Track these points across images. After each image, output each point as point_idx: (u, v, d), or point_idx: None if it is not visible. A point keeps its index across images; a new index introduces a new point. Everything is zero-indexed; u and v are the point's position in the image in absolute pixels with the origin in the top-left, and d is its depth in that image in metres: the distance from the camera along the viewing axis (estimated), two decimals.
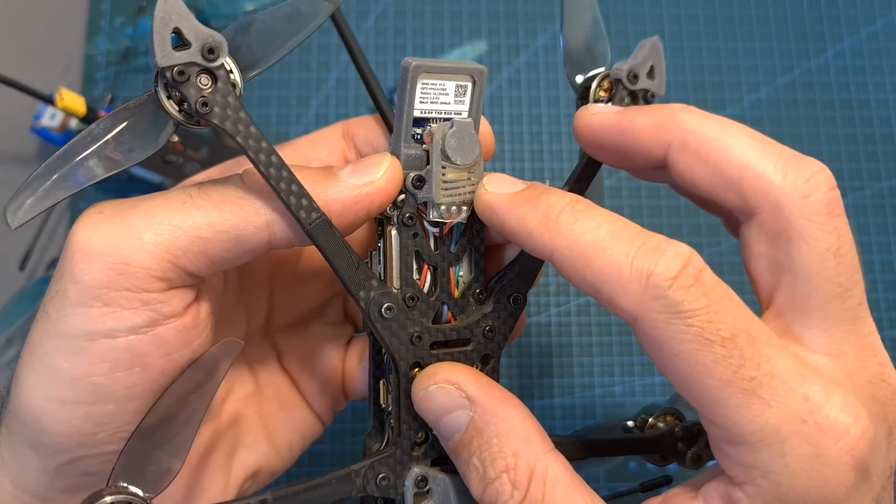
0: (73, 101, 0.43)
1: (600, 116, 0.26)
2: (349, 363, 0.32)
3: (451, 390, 0.24)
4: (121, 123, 0.23)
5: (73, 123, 0.44)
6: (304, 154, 0.29)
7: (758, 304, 0.24)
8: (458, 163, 0.25)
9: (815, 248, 0.22)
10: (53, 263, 0.45)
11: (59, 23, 0.49)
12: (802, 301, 0.22)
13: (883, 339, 0.24)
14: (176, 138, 0.44)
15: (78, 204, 0.45)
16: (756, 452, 0.20)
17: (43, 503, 0.25)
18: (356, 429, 0.43)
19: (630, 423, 0.32)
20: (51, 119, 0.44)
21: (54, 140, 0.45)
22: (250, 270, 0.30)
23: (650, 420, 0.32)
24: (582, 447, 0.29)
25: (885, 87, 0.50)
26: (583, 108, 0.26)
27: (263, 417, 0.31)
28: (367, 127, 0.29)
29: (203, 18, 0.46)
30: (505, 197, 0.24)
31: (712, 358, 0.20)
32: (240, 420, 0.30)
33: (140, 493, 0.22)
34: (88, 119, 0.43)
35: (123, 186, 0.44)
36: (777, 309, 0.23)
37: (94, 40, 0.48)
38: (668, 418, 0.31)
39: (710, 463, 0.30)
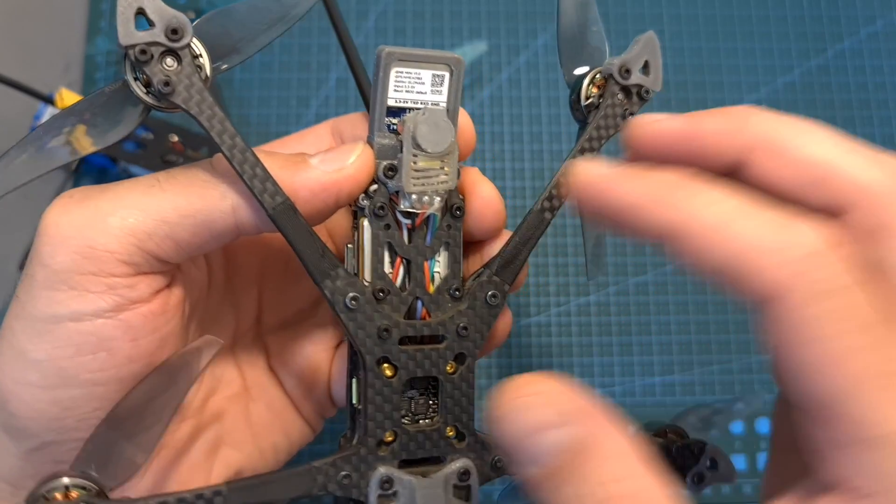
0: (73, 101, 0.43)
1: (664, 124, 0.24)
2: (336, 367, 0.32)
3: (549, 404, 0.20)
4: (95, 106, 0.24)
5: None
6: (292, 151, 0.29)
7: None
8: (430, 151, 0.25)
9: None
10: None
11: (59, 23, 0.49)
12: None
13: None
14: (176, 138, 0.44)
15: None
16: (891, 458, 0.18)
17: (17, 490, 0.25)
18: None
19: None
20: None
21: None
22: (238, 268, 0.30)
23: (648, 436, 0.30)
24: None
25: (885, 87, 0.50)
26: (636, 118, 0.25)
27: (249, 418, 0.30)
28: (354, 124, 0.29)
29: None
30: (605, 173, 0.22)
31: (855, 345, 0.18)
32: (224, 419, 0.30)
33: (101, 480, 0.23)
34: None
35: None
36: None
37: (94, 40, 0.48)
38: (669, 436, 0.30)
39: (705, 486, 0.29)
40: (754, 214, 0.20)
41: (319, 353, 0.32)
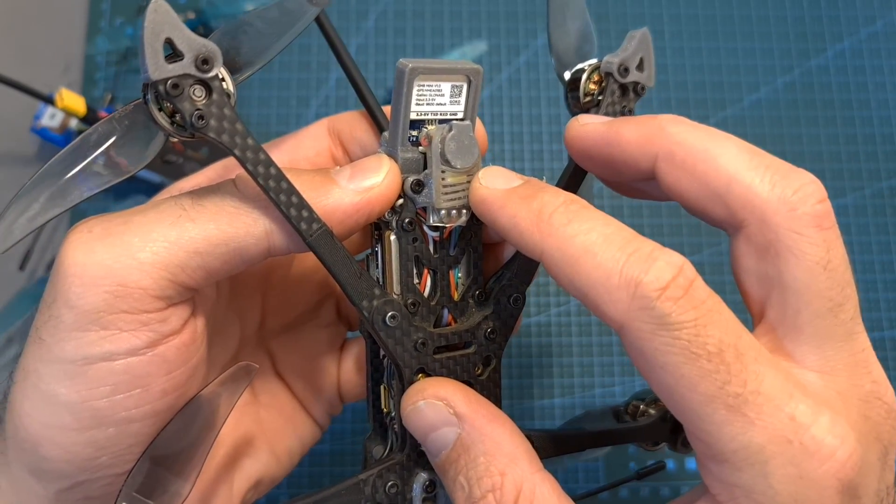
0: (73, 101, 0.43)
1: (588, 128, 0.25)
2: (344, 366, 0.32)
3: (439, 406, 0.24)
4: (110, 137, 0.23)
5: (73, 123, 0.44)
6: (291, 154, 0.29)
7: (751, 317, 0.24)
8: (458, 167, 0.25)
9: (804, 262, 0.21)
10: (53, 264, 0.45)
11: (59, 23, 0.49)
12: (793, 316, 0.22)
13: (883, 339, 0.24)
14: (176, 138, 0.44)
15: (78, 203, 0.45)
16: (739, 471, 0.20)
17: None
18: (356, 429, 0.43)
19: (620, 408, 0.32)
20: (51, 119, 0.44)
21: (54, 140, 0.45)
22: (243, 277, 0.29)
23: (641, 406, 0.32)
24: (575, 440, 0.29)
25: (885, 87, 0.50)
26: (573, 119, 0.26)
27: (262, 426, 0.30)
28: (352, 124, 0.29)
29: (203, 18, 0.46)
30: (499, 192, 0.24)
31: (697, 372, 0.20)
32: (239, 430, 0.29)
33: None
34: (88, 119, 0.43)
35: (123, 186, 0.43)
36: (768, 324, 0.23)
37: (94, 40, 0.48)
38: (660, 404, 0.31)
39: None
40: (610, 250, 0.21)
41: (326, 353, 0.32)
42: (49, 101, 0.43)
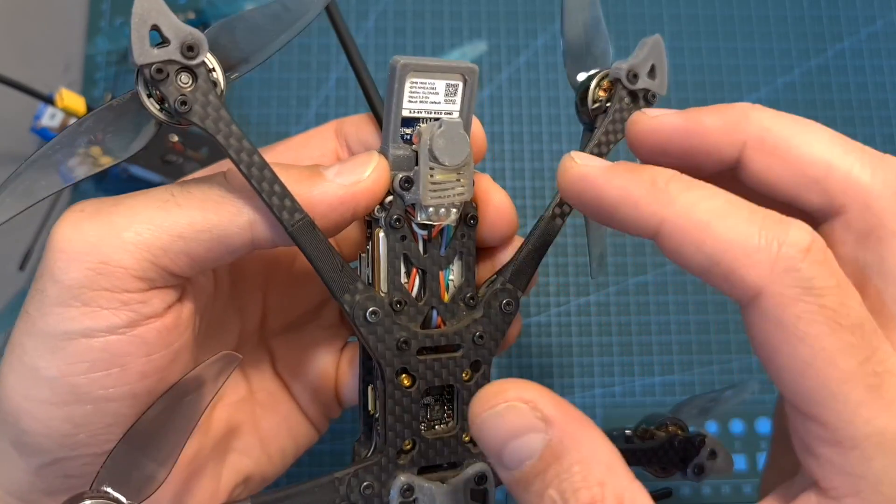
0: (73, 101, 0.43)
1: (663, 119, 0.24)
2: (342, 369, 0.31)
3: (524, 409, 0.21)
4: (103, 122, 0.23)
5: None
6: (297, 153, 0.29)
7: None
8: (447, 164, 0.25)
9: None
10: None
11: (59, 23, 0.49)
12: (893, 304, 0.21)
13: None
14: (176, 138, 0.44)
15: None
16: (869, 460, 0.18)
17: None
18: (356, 429, 0.43)
19: (628, 432, 0.32)
20: (51, 119, 0.44)
21: None
22: (243, 272, 0.29)
23: (650, 430, 0.31)
24: None
25: (885, 87, 0.50)
26: (638, 113, 0.25)
27: (256, 423, 0.30)
28: (359, 126, 0.29)
29: (203, 18, 0.46)
30: (601, 167, 0.22)
31: (839, 345, 0.18)
32: (231, 425, 0.29)
33: (123, 499, 0.22)
34: None
35: (123, 186, 0.44)
36: None
37: (94, 40, 0.48)
38: (670, 428, 0.31)
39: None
40: (741, 212, 0.20)
41: (325, 355, 0.32)
42: (49, 101, 0.43)
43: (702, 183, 0.21)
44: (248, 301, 0.30)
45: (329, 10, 0.27)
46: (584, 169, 0.22)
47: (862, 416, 0.18)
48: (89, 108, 0.43)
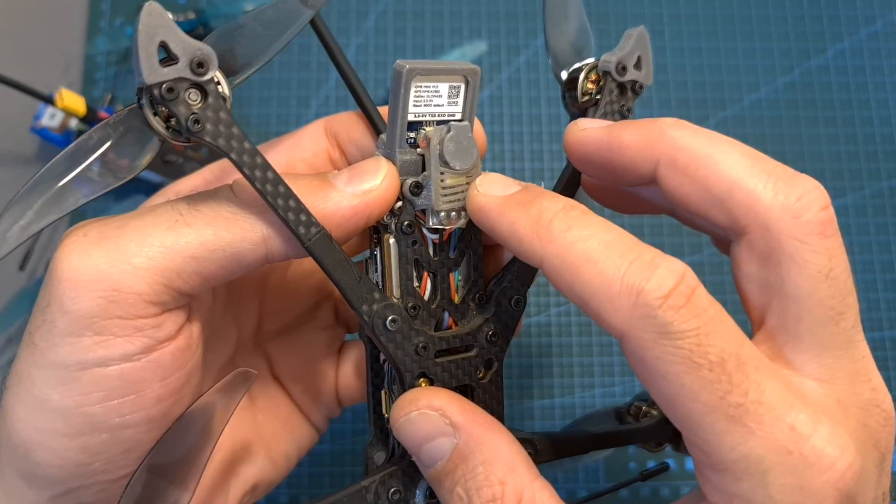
0: (73, 101, 0.43)
1: (588, 132, 0.25)
2: (342, 369, 0.31)
3: (433, 416, 0.23)
4: (104, 143, 0.22)
5: (73, 123, 0.44)
6: (288, 155, 0.28)
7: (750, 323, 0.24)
8: (458, 168, 0.25)
9: (807, 270, 0.21)
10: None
11: (59, 23, 0.49)
12: (794, 324, 0.22)
13: (883, 339, 0.24)
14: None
15: (74, 210, 0.45)
16: (738, 481, 0.20)
17: None
18: (356, 429, 0.43)
19: (623, 410, 0.32)
20: (51, 119, 0.44)
21: (54, 140, 0.45)
22: (239, 280, 0.29)
23: (644, 408, 0.31)
24: (578, 443, 0.29)
25: (885, 87, 0.50)
26: (572, 123, 0.26)
27: (259, 430, 0.30)
28: (348, 125, 0.29)
29: (203, 18, 0.46)
30: (497, 199, 0.23)
31: (699, 382, 0.19)
32: (235, 436, 0.29)
33: None
34: (88, 119, 0.43)
35: (123, 187, 0.44)
36: (768, 331, 0.22)
37: (94, 40, 0.48)
38: None
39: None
40: (611, 257, 0.21)
41: (323, 356, 0.31)
42: (49, 101, 0.43)
43: (588, 221, 0.22)
44: (243, 308, 0.30)
45: (313, 21, 0.27)
46: (481, 199, 0.24)
47: (727, 443, 0.20)
48: (89, 108, 0.43)
